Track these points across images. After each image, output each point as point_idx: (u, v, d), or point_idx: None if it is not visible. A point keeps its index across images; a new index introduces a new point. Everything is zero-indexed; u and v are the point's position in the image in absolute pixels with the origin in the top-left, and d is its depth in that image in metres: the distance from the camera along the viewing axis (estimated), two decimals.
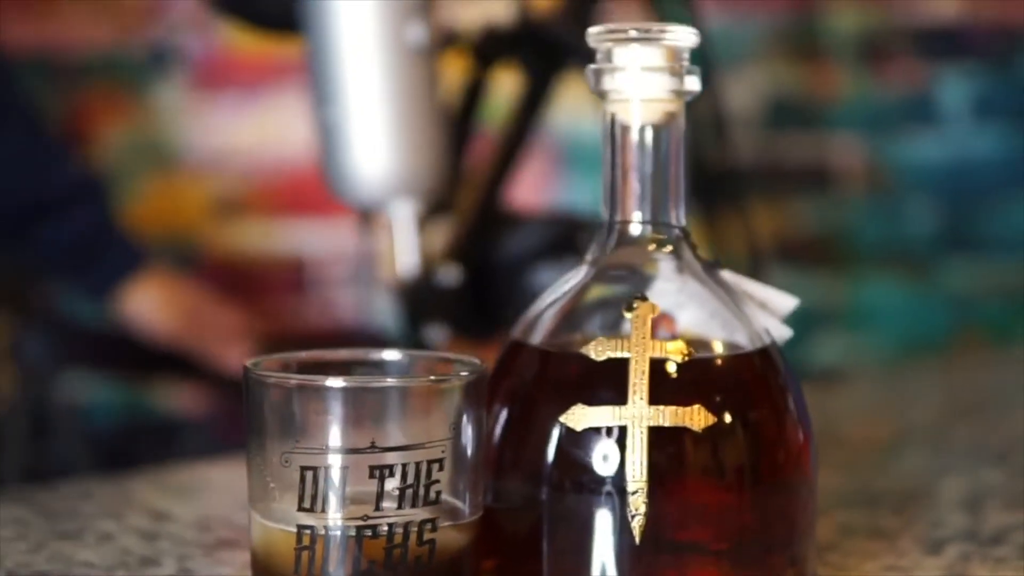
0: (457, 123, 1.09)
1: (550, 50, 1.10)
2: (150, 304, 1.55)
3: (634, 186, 0.66)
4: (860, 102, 2.25)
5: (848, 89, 2.25)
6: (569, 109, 1.30)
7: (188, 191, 1.98)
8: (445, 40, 1.07)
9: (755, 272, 1.37)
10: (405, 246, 1.03)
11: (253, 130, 2.00)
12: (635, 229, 0.66)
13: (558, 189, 2.04)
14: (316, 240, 2.07)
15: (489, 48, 1.11)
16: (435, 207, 1.04)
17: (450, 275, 1.03)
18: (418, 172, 1.01)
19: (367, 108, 1.00)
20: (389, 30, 0.99)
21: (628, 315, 0.63)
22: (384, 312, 1.36)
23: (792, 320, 1.84)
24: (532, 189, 1.87)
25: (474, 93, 1.12)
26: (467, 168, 1.11)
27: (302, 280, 2.09)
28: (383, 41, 0.99)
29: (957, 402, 1.31)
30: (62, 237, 1.60)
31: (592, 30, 0.66)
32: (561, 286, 0.67)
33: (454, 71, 1.12)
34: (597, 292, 0.67)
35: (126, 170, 1.95)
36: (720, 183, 1.35)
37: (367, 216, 1.05)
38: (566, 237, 1.07)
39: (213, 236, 1.98)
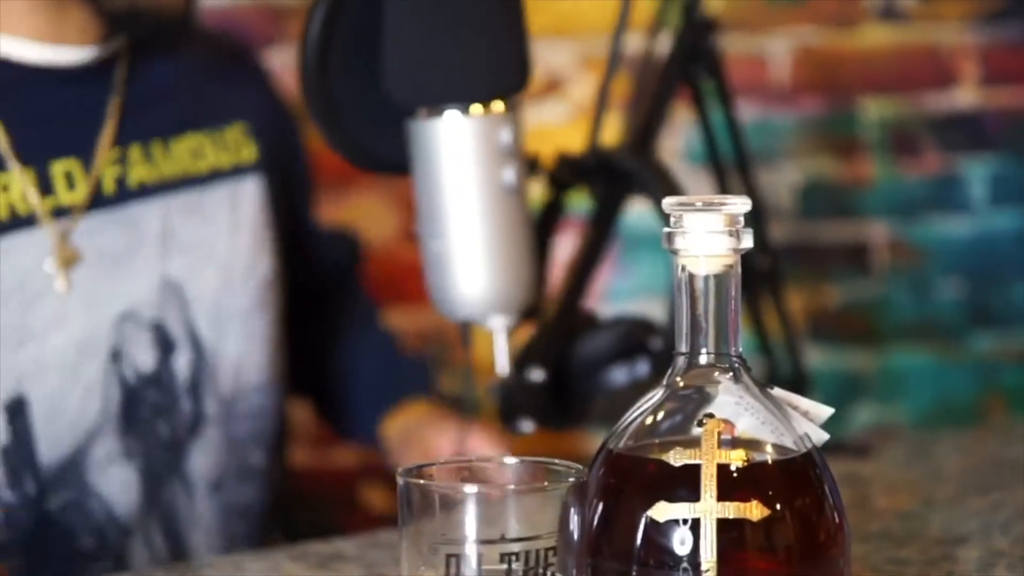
0: (538, 242, 1.23)
1: (618, 177, 1.26)
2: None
3: (701, 325, 0.83)
4: (890, 189, 2.29)
5: (879, 177, 2.29)
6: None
7: None
8: (528, 169, 1.23)
9: (791, 349, 1.52)
10: (500, 352, 1.17)
11: (343, 222, 2.04)
12: (702, 359, 0.82)
13: (617, 271, 2.17)
14: (401, 320, 2.15)
15: (564, 176, 1.27)
16: (524, 316, 1.19)
17: (537, 375, 1.19)
18: (511, 293, 1.14)
19: (468, 241, 1.12)
20: (487, 175, 1.12)
21: (699, 429, 0.80)
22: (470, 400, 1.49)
23: (830, 391, 2.04)
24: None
25: (552, 215, 1.28)
26: (549, 281, 1.26)
27: None
28: (482, 185, 1.12)
29: (975, 473, 1.42)
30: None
31: (667, 201, 0.82)
32: (643, 404, 0.83)
33: (535, 196, 1.26)
34: (671, 408, 0.84)
35: None
36: (757, 271, 1.45)
37: (467, 326, 1.20)
38: (637, 340, 1.23)
39: None
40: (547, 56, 2.14)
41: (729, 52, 2.11)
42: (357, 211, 2.10)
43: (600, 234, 1.25)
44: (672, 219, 0.83)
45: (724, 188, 1.45)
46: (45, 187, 1.27)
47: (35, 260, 1.26)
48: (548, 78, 2.16)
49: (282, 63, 2.08)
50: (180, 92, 1.38)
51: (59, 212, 1.27)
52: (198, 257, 1.36)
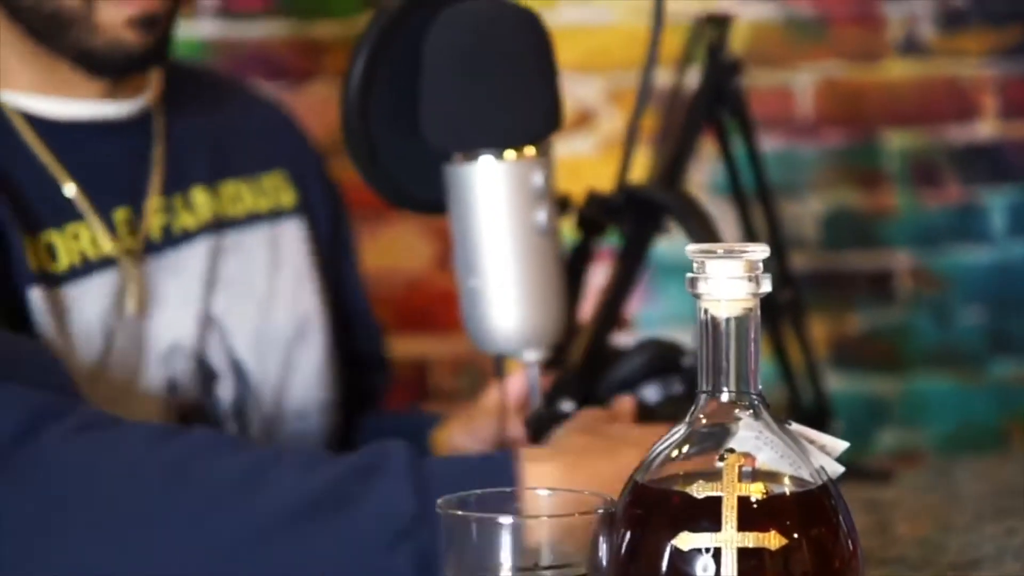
0: (570, 278, 1.28)
1: (646, 215, 1.31)
2: None
3: (722, 365, 0.87)
4: (912, 219, 2.31)
5: (901, 207, 2.31)
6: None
7: None
8: (559, 208, 1.27)
9: (813, 379, 1.56)
10: (533, 383, 1.22)
11: (379, 252, 2.11)
12: (724, 397, 0.87)
13: (646, 299, 2.19)
14: (435, 348, 2.19)
15: (594, 214, 1.32)
16: (555, 349, 1.24)
17: (567, 406, 1.23)
18: (542, 328, 1.18)
19: (502, 280, 1.17)
20: (520, 217, 1.16)
21: (721, 463, 0.85)
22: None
23: (854, 416, 2.06)
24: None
25: (582, 253, 1.33)
26: (579, 317, 1.31)
27: (426, 386, 2.21)
28: (515, 226, 1.16)
29: (992, 499, 1.47)
30: None
31: (690, 247, 0.88)
32: (668, 438, 0.88)
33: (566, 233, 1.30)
34: (694, 443, 0.88)
35: None
36: (779, 303, 1.48)
37: (501, 359, 1.25)
38: (668, 358, 1.27)
39: None
40: (577, 90, 2.17)
41: (755, 86, 2.17)
42: (392, 241, 2.13)
43: (628, 271, 1.29)
44: (695, 265, 0.87)
45: (747, 219, 1.50)
46: (111, 234, 1.34)
47: (105, 302, 1.32)
48: (578, 112, 2.18)
49: (319, 96, 2.14)
50: (216, 142, 1.45)
51: (122, 257, 1.34)
52: (238, 292, 1.43)
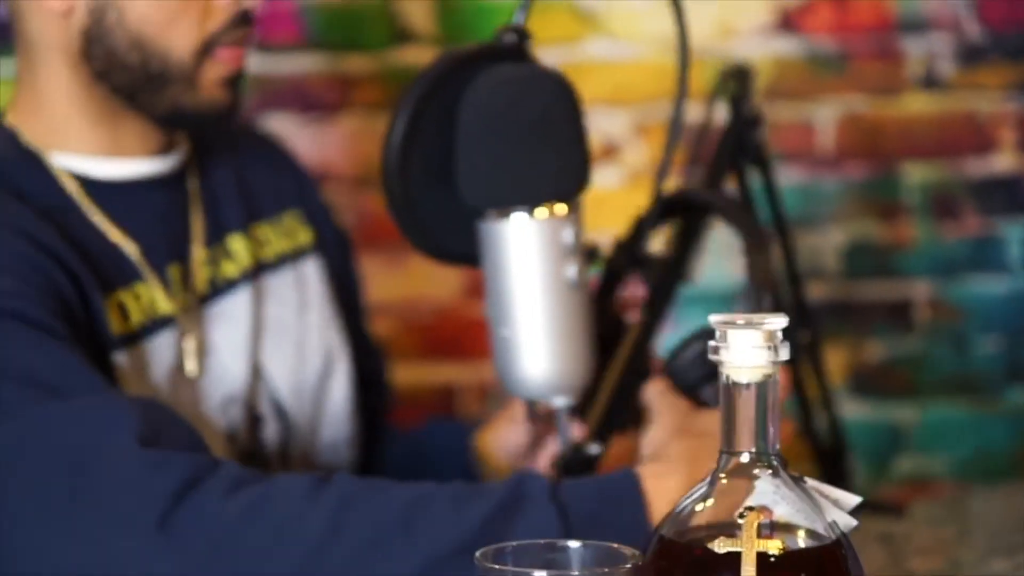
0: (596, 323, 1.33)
1: (670, 265, 1.37)
2: None
3: (743, 427, 0.93)
4: (930, 250, 2.32)
5: (920, 238, 2.32)
6: None
7: None
8: (587, 257, 1.32)
9: (831, 418, 1.60)
10: (562, 428, 1.28)
11: (407, 280, 2.16)
12: (744, 457, 0.93)
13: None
14: (463, 375, 2.22)
15: (621, 263, 1.37)
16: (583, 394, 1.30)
17: (594, 449, 1.29)
18: (571, 375, 1.24)
19: (533, 330, 1.23)
20: (551, 271, 1.22)
21: (741, 520, 0.91)
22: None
23: (872, 443, 2.07)
24: None
25: (607, 296, 1.38)
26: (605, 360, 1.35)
27: (453, 413, 2.22)
28: (546, 280, 1.22)
29: (1003, 535, 1.51)
30: None
31: (713, 318, 0.93)
32: (692, 494, 0.94)
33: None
34: (716, 500, 0.94)
35: None
36: (798, 344, 1.51)
37: (532, 404, 1.31)
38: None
39: None
40: (603, 124, 2.20)
41: (777, 119, 2.22)
42: (420, 269, 2.15)
43: (653, 318, 1.34)
44: (718, 334, 0.93)
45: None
46: (166, 291, 1.38)
47: (168, 359, 1.37)
48: (604, 145, 2.22)
49: (351, 128, 2.18)
50: (242, 187, 1.50)
51: (179, 313, 1.39)
52: (277, 336, 1.48)
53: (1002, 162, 2.34)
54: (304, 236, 1.55)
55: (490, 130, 1.22)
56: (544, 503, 1.14)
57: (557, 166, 1.23)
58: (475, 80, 1.22)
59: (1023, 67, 2.33)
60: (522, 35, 1.25)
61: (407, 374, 2.06)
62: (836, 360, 2.30)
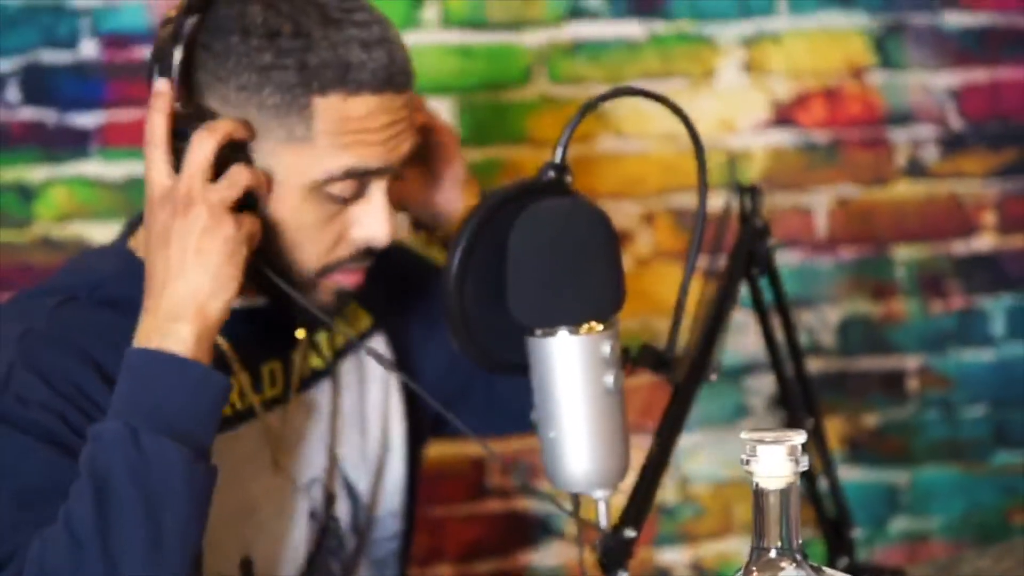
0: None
1: (694, 368, 1.52)
2: None
3: (771, 526, 1.09)
4: (920, 324, 2.41)
5: (910, 314, 2.41)
6: None
7: None
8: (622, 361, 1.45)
9: (829, 478, 1.71)
10: (601, 516, 1.40)
11: None
12: (772, 553, 1.08)
13: None
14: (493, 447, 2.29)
15: (647, 364, 1.51)
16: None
17: (630, 532, 1.43)
18: (610, 471, 1.37)
19: (577, 433, 1.35)
20: (592, 380, 1.35)
21: None
22: None
23: (869, 505, 2.16)
24: None
25: None
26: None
27: (482, 484, 2.31)
28: (587, 389, 1.34)
29: None
30: None
31: (744, 435, 1.08)
32: None
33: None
34: None
35: None
36: (795, 403, 1.64)
37: (576, 496, 1.42)
38: None
39: None
40: (614, 214, 2.26)
41: (776, 206, 2.32)
42: None
43: (678, 415, 1.48)
44: (747, 447, 1.08)
45: (768, 331, 1.68)
46: (257, 386, 1.51)
47: (254, 445, 1.49)
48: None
49: None
50: None
51: (267, 404, 1.52)
52: (348, 420, 1.60)
53: (984, 242, 2.43)
54: (365, 321, 1.66)
55: (536, 259, 1.35)
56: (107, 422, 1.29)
57: (596, 288, 1.37)
58: (522, 213, 1.35)
59: (1001, 154, 2.43)
60: (561, 171, 1.39)
61: (435, 449, 2.08)
62: (834, 428, 2.41)
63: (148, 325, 1.34)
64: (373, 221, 1.45)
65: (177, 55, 1.39)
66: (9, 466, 1.33)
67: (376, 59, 1.40)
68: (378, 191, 1.45)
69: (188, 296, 1.34)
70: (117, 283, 1.44)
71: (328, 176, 1.42)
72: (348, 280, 1.48)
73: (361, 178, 1.44)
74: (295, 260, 1.45)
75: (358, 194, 1.45)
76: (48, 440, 1.34)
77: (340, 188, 1.43)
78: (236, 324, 1.45)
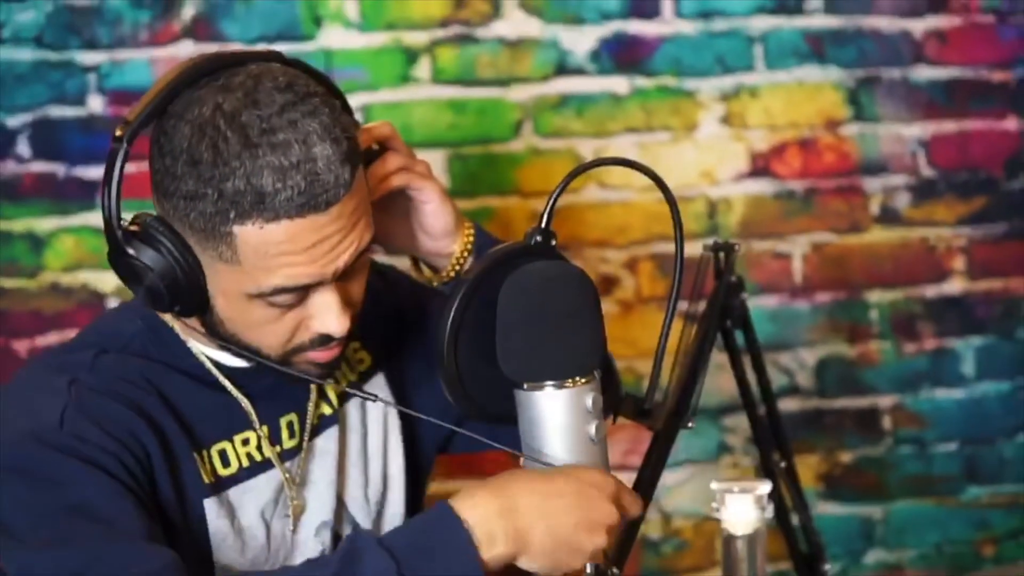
0: None
1: (673, 415, 1.60)
2: None
3: (739, 570, 1.19)
4: (893, 365, 2.46)
5: (883, 356, 2.46)
6: None
7: None
8: (609, 409, 1.52)
9: (799, 508, 1.76)
10: None
11: None
12: None
13: None
14: None
15: (629, 413, 1.59)
16: None
17: (615, 572, 1.49)
18: None
19: None
20: (576, 430, 1.42)
21: None
22: None
23: (844, 538, 2.21)
24: None
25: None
26: None
27: None
28: (572, 438, 1.42)
29: None
30: None
31: (713, 486, 1.19)
32: None
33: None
34: None
35: None
36: (767, 444, 1.67)
37: None
38: None
39: None
40: (599, 260, 2.36)
41: (754, 253, 2.39)
42: None
43: (658, 460, 1.57)
44: (717, 496, 1.19)
45: (742, 375, 1.75)
46: (276, 438, 1.58)
47: (271, 494, 1.56)
48: (602, 278, 2.36)
49: None
50: None
51: (283, 456, 1.58)
52: (349, 460, 1.66)
53: (954, 286, 2.49)
54: (365, 362, 1.70)
55: (523, 318, 1.42)
56: (375, 549, 1.34)
57: (579, 345, 1.44)
58: (510, 276, 1.43)
59: (971, 202, 2.48)
60: (547, 236, 1.48)
61: (436, 488, 2.01)
62: (811, 465, 2.47)
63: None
64: (324, 318, 1.47)
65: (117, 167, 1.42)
66: (69, 484, 1.39)
67: (292, 185, 1.38)
68: (325, 293, 1.46)
69: None
70: (142, 340, 1.53)
71: (260, 293, 1.44)
72: (320, 357, 1.51)
73: (297, 292, 1.45)
74: (260, 346, 1.49)
75: (301, 300, 1.46)
76: (106, 472, 1.41)
77: (280, 299, 1.45)
78: (257, 380, 1.52)
